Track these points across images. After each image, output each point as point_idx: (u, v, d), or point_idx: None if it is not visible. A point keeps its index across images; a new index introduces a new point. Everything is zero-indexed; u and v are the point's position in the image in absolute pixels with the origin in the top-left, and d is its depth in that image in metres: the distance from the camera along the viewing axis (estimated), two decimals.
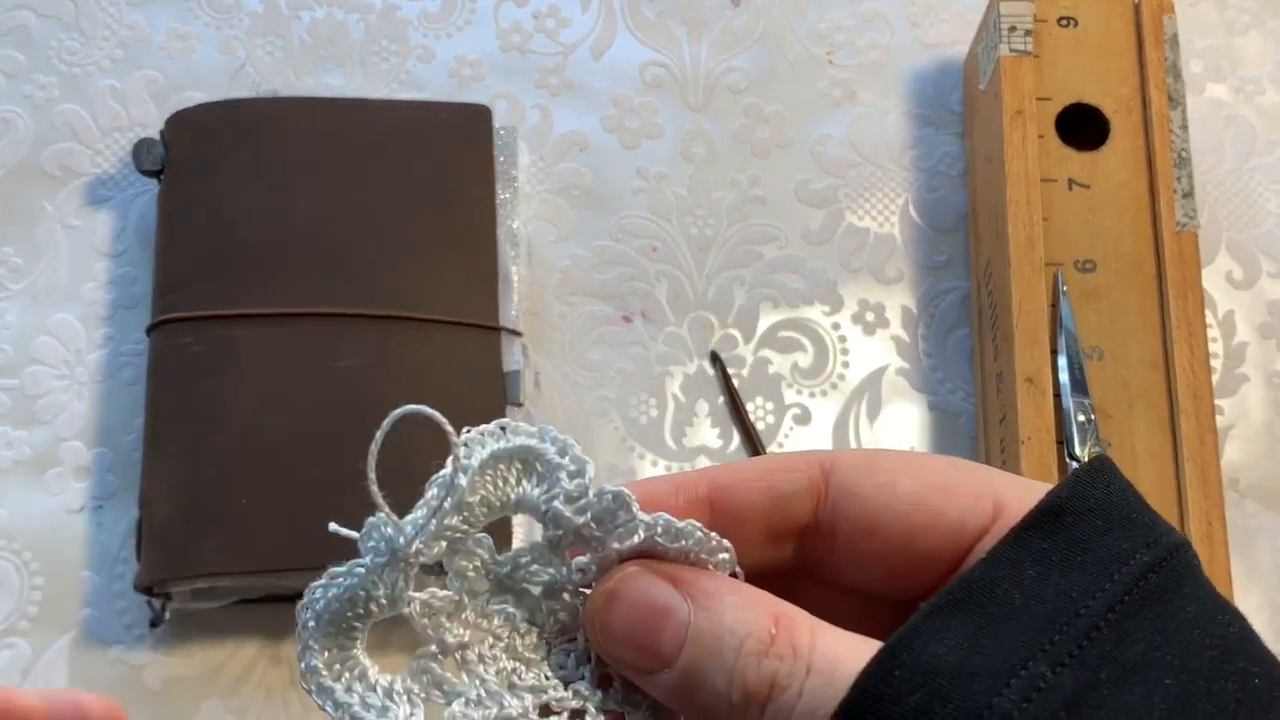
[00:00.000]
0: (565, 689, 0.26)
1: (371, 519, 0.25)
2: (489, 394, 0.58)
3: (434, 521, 0.25)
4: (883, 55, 0.72)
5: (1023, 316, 0.59)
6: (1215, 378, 0.65)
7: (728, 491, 0.27)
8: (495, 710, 0.25)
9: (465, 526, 0.26)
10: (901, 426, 0.65)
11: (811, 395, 0.65)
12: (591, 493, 0.25)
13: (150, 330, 0.59)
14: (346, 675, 0.25)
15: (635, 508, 0.25)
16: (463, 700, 0.25)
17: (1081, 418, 0.57)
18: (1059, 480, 0.26)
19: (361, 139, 0.62)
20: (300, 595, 0.64)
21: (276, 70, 0.69)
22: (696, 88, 0.71)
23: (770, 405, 0.64)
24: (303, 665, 0.25)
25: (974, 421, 0.64)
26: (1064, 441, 0.57)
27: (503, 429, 0.26)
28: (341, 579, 0.25)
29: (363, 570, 0.25)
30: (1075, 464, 0.56)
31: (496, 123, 0.64)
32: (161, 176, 0.62)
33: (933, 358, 0.66)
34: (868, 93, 0.71)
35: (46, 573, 0.58)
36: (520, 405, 0.59)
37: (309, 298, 0.58)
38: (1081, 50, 0.65)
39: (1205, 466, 0.57)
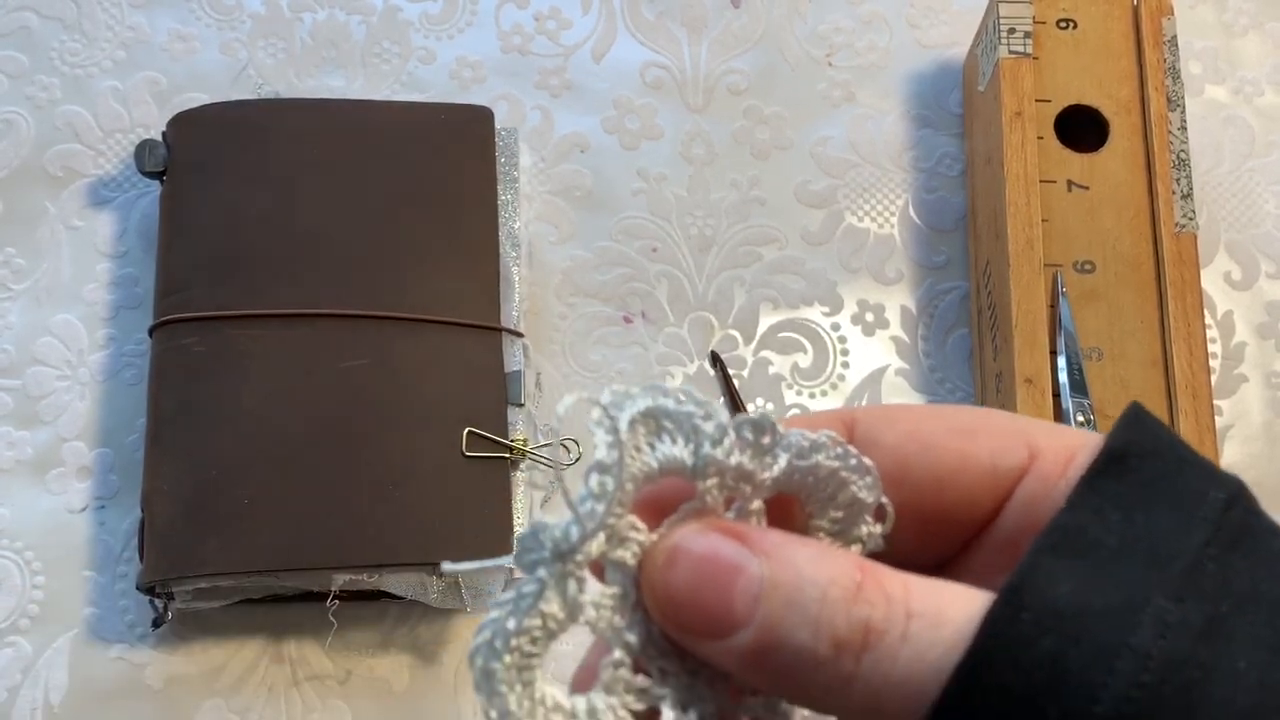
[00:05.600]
0: None
1: (526, 529, 0.23)
2: (490, 394, 0.59)
3: (607, 506, 0.22)
4: (882, 57, 0.72)
5: (1022, 317, 0.59)
6: (1214, 378, 0.66)
7: None
8: (701, 708, 0.23)
9: (619, 509, 0.23)
10: None
11: (812, 396, 0.65)
12: (732, 430, 0.23)
13: (152, 331, 0.59)
14: (541, 710, 0.22)
15: (780, 427, 0.24)
16: (667, 702, 0.23)
17: (1081, 418, 0.57)
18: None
19: (363, 140, 0.62)
20: (302, 595, 0.63)
21: (278, 72, 0.69)
22: (696, 89, 0.71)
23: (770, 406, 0.65)
24: (495, 716, 0.22)
25: None
26: None
27: (616, 397, 0.23)
28: (509, 606, 0.22)
29: (533, 589, 0.22)
30: None
31: (498, 124, 0.64)
32: (163, 178, 0.62)
33: (932, 358, 0.66)
34: (867, 94, 0.71)
35: (48, 572, 0.58)
36: (521, 406, 0.59)
37: (311, 298, 0.58)
38: (1080, 52, 0.65)
39: None
